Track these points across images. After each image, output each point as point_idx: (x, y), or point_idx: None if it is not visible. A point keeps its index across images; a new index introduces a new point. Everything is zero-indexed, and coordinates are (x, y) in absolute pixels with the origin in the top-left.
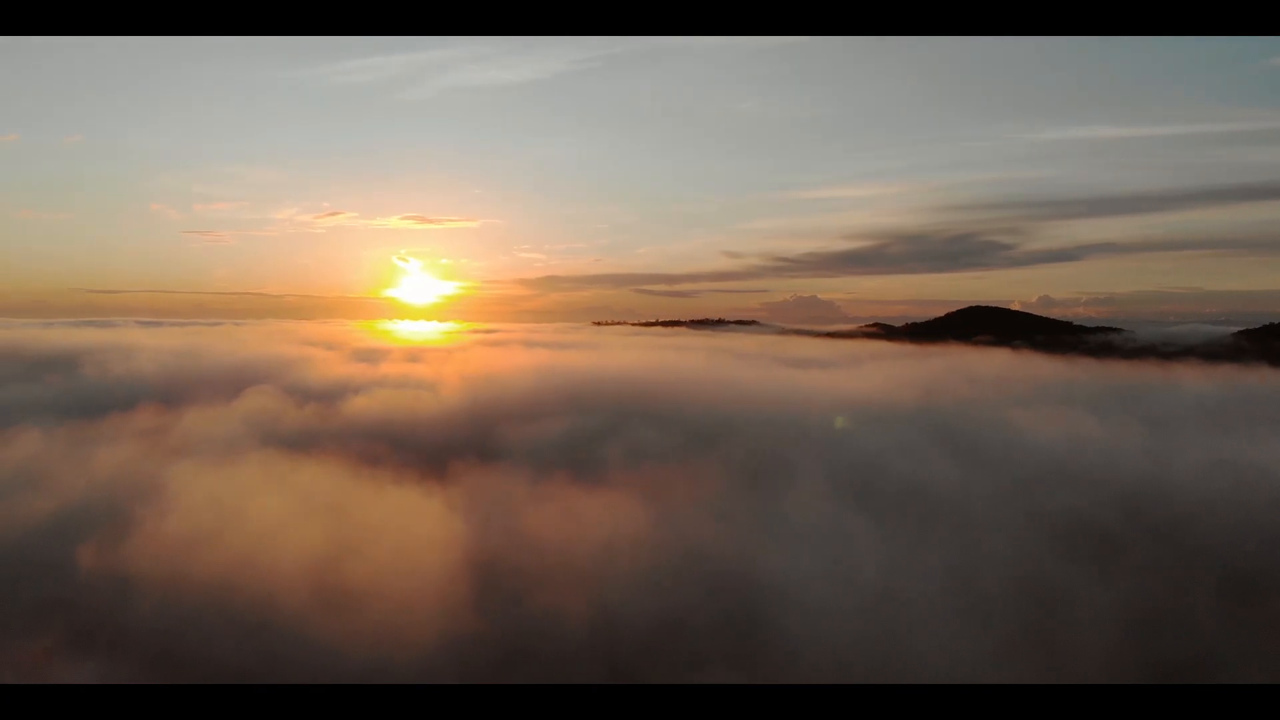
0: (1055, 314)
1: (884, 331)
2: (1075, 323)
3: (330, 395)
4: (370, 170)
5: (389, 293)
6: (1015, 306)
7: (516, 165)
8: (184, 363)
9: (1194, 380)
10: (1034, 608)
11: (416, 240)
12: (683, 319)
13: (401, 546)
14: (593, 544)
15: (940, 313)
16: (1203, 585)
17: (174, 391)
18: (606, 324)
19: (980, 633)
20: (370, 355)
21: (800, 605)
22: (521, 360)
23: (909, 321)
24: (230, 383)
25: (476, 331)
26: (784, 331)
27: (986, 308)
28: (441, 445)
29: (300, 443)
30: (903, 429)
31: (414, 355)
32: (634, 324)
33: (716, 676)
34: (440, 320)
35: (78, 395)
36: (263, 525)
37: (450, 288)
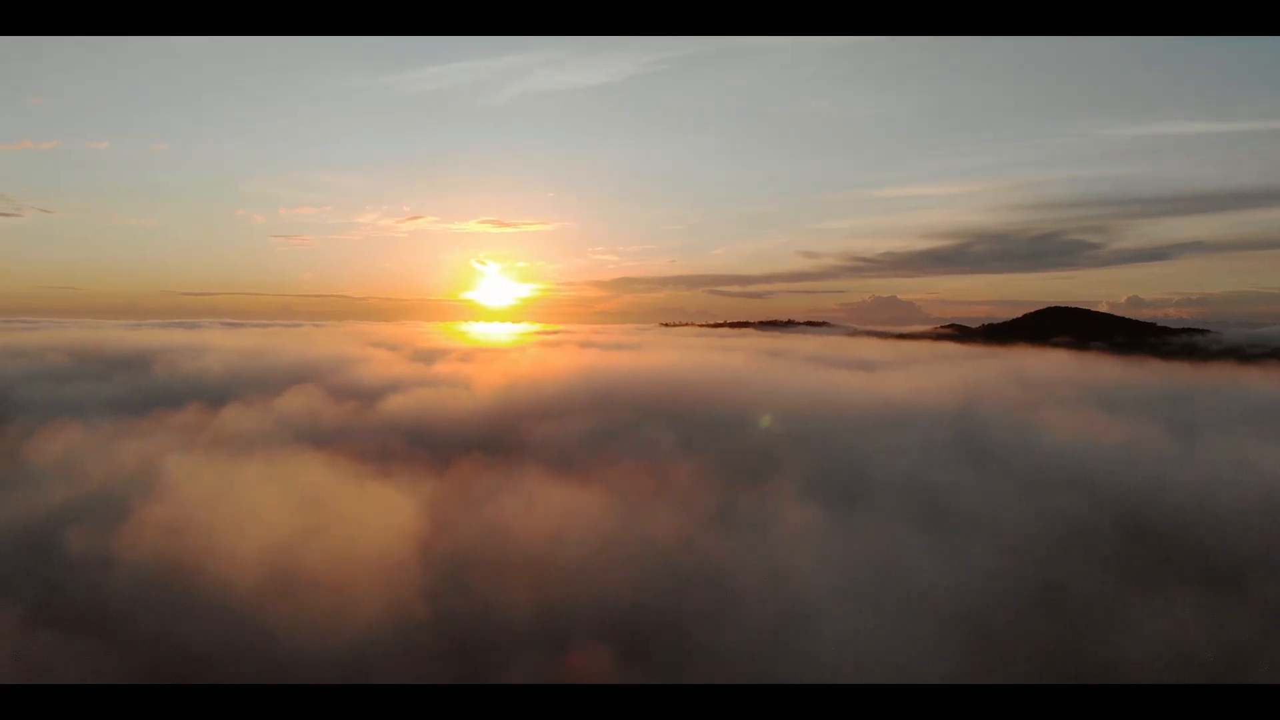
0: (1144, 315)
1: (959, 333)
2: (1160, 324)
3: (371, 394)
4: (449, 175)
5: (467, 295)
6: (1103, 308)
7: (589, 168)
8: (248, 362)
9: (1267, 383)
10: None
11: (493, 244)
12: (751, 320)
13: (363, 537)
14: (558, 539)
15: (1021, 314)
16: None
17: (226, 389)
18: (674, 325)
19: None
20: (428, 356)
21: (754, 604)
22: (570, 360)
23: (985, 323)
24: (281, 381)
25: (545, 333)
26: (855, 333)
27: (1066, 308)
28: (454, 441)
29: (320, 438)
30: (917, 431)
31: (471, 356)
32: (701, 325)
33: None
34: (515, 322)
35: (139, 392)
36: (241, 513)
37: (526, 290)
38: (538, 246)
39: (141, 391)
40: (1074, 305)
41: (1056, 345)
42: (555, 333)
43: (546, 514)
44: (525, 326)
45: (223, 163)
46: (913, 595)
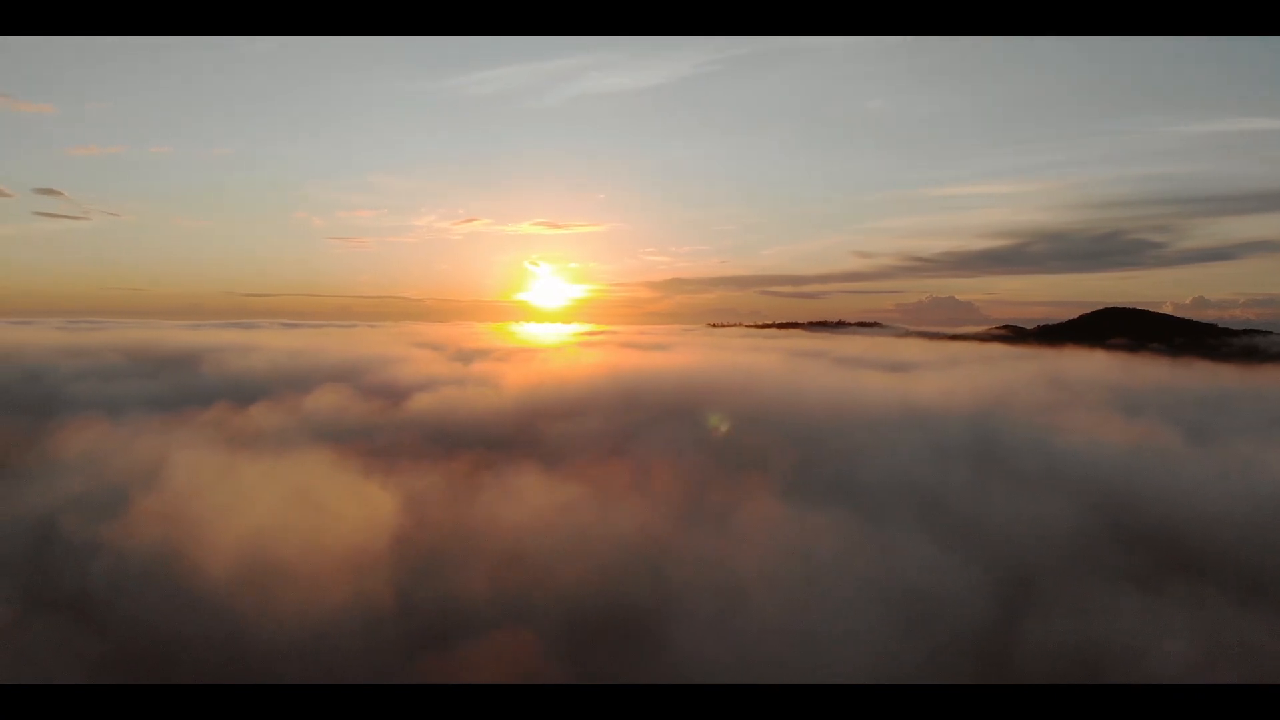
0: (1207, 316)
1: (1014, 334)
2: (1221, 325)
3: (399, 393)
4: (503, 177)
5: (521, 296)
6: (1167, 309)
7: (641, 169)
8: (291, 361)
9: None
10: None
11: (547, 245)
12: (800, 321)
13: (340, 530)
14: (530, 533)
15: (1077, 315)
16: None
17: (262, 388)
18: (722, 326)
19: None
20: (469, 356)
21: (693, 596)
22: (602, 361)
23: (1040, 324)
24: (317, 380)
25: (593, 333)
26: (907, 334)
27: (1124, 309)
28: (465, 438)
29: (334, 436)
30: (923, 432)
31: (510, 356)
32: (749, 325)
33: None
34: (566, 323)
35: (180, 390)
36: (229, 507)
37: (579, 291)
38: (590, 248)
39: (182, 389)
40: (1133, 306)
41: (1112, 347)
42: (600, 333)
43: (528, 508)
44: (575, 327)
45: (282, 166)
46: (860, 590)
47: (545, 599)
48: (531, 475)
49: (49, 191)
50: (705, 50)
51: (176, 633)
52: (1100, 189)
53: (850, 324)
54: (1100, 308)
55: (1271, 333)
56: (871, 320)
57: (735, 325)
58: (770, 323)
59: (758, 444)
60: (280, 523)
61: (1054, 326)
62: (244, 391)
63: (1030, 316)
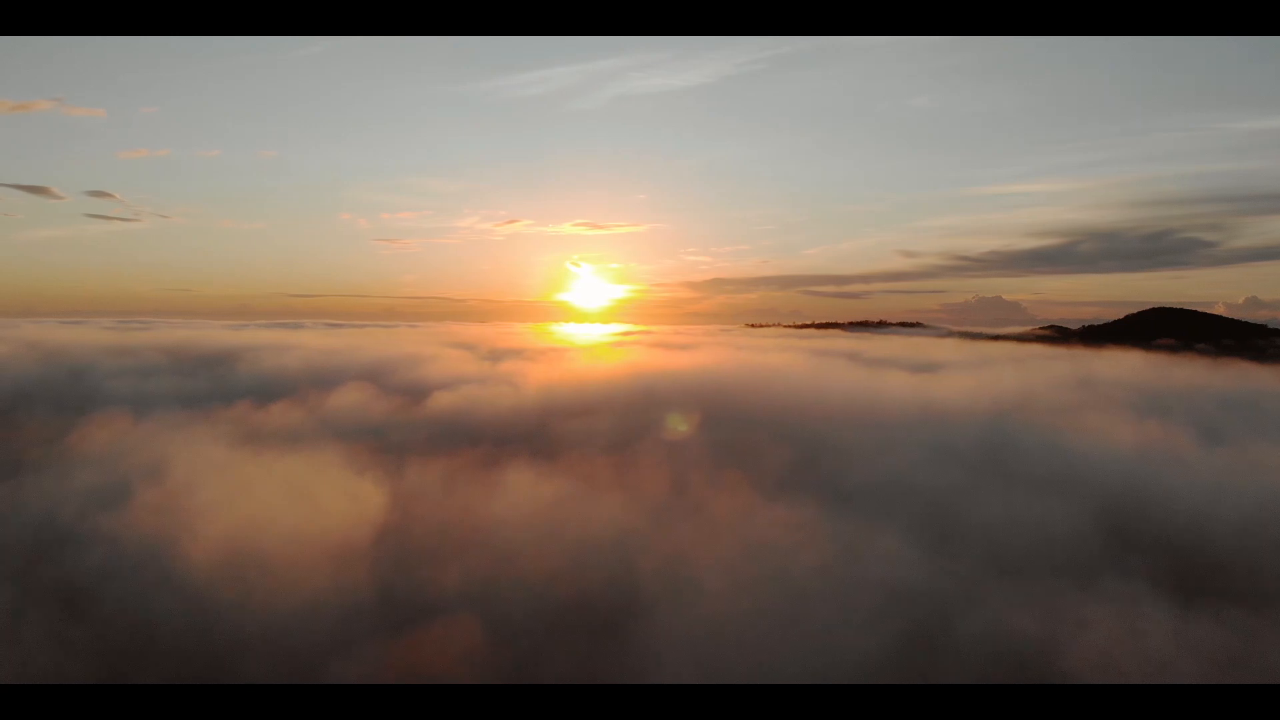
0: (1260, 316)
1: (1057, 334)
2: (1273, 325)
3: (420, 391)
4: (544, 179)
5: (562, 297)
6: (1219, 309)
7: (682, 169)
8: (325, 360)
9: None
10: None
11: (588, 245)
12: (840, 321)
13: (327, 523)
14: (505, 525)
15: (1124, 315)
16: None
17: (289, 386)
18: (760, 326)
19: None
20: (499, 355)
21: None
22: (629, 360)
23: (1086, 324)
24: (343, 379)
25: (629, 334)
26: (948, 334)
27: (1171, 309)
28: (476, 435)
29: (345, 433)
30: (931, 433)
31: (539, 356)
32: (787, 326)
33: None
34: (606, 323)
35: (212, 388)
36: (221, 501)
37: (620, 291)
38: (631, 248)
39: (213, 387)
40: (1183, 306)
41: (1158, 348)
42: (636, 334)
43: (515, 503)
44: (615, 328)
45: (327, 169)
46: (814, 580)
47: (507, 590)
48: (526, 471)
49: (101, 194)
50: (748, 49)
51: (156, 618)
52: (1151, 187)
53: (891, 324)
54: (1145, 308)
55: None
56: (914, 321)
57: (774, 325)
58: (809, 323)
59: (756, 443)
60: (267, 516)
61: (1099, 327)
62: (271, 390)
63: (1078, 317)
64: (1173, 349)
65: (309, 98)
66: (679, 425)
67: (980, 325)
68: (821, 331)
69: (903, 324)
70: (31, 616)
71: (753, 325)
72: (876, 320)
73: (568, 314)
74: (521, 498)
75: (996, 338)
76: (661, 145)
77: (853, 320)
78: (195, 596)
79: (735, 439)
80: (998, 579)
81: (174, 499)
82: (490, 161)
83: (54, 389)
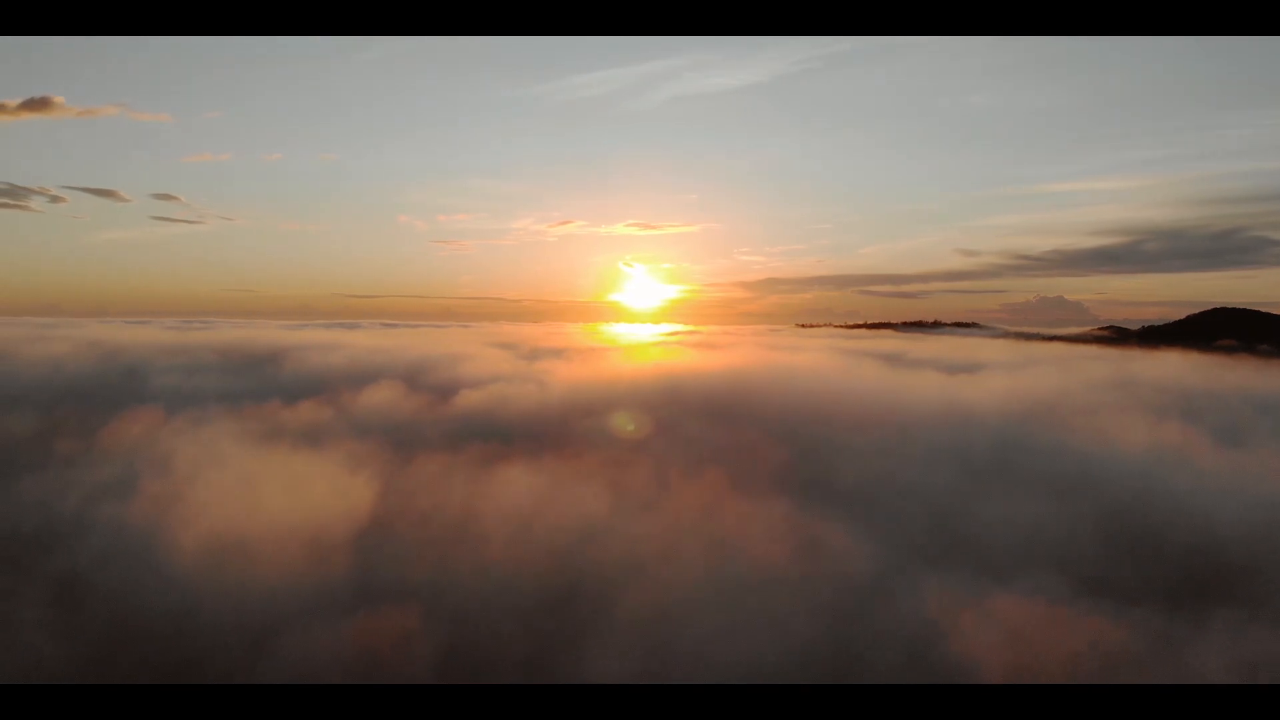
0: None
1: (1115, 335)
2: None
3: (449, 390)
4: (597, 180)
5: (614, 297)
6: None
7: (735, 169)
8: (368, 359)
9: None
10: None
11: (640, 246)
12: (894, 321)
13: (320, 515)
14: (489, 519)
15: (1184, 315)
16: None
17: (328, 384)
18: (811, 326)
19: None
20: (538, 354)
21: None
22: (667, 360)
23: (1147, 324)
24: (380, 377)
25: (676, 334)
26: (1004, 335)
27: (1234, 309)
28: (490, 432)
29: (363, 430)
30: (942, 434)
31: (581, 355)
32: (839, 326)
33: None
34: (657, 324)
35: (254, 385)
36: (219, 494)
37: (673, 291)
38: (684, 248)
39: (253, 385)
40: (1249, 306)
41: (1219, 349)
42: (680, 334)
43: (505, 497)
44: (666, 328)
45: (386, 171)
46: (776, 577)
47: (467, 578)
48: (524, 468)
49: (166, 196)
50: (804, 48)
51: (143, 603)
52: (1216, 184)
53: (946, 324)
54: (1208, 308)
55: None
56: (970, 321)
57: (825, 326)
58: (863, 323)
59: (750, 442)
60: (253, 508)
61: (1159, 327)
62: (305, 388)
63: (1141, 317)
64: (1234, 350)
65: (369, 102)
66: (625, 424)
67: (1038, 326)
68: (873, 331)
69: (958, 324)
70: (26, 598)
71: (803, 325)
72: (931, 320)
73: (619, 314)
74: (513, 492)
75: (1051, 338)
76: (715, 145)
77: (907, 320)
78: (177, 581)
79: (735, 439)
80: (975, 579)
81: (174, 492)
82: (545, 163)
83: (103, 386)
